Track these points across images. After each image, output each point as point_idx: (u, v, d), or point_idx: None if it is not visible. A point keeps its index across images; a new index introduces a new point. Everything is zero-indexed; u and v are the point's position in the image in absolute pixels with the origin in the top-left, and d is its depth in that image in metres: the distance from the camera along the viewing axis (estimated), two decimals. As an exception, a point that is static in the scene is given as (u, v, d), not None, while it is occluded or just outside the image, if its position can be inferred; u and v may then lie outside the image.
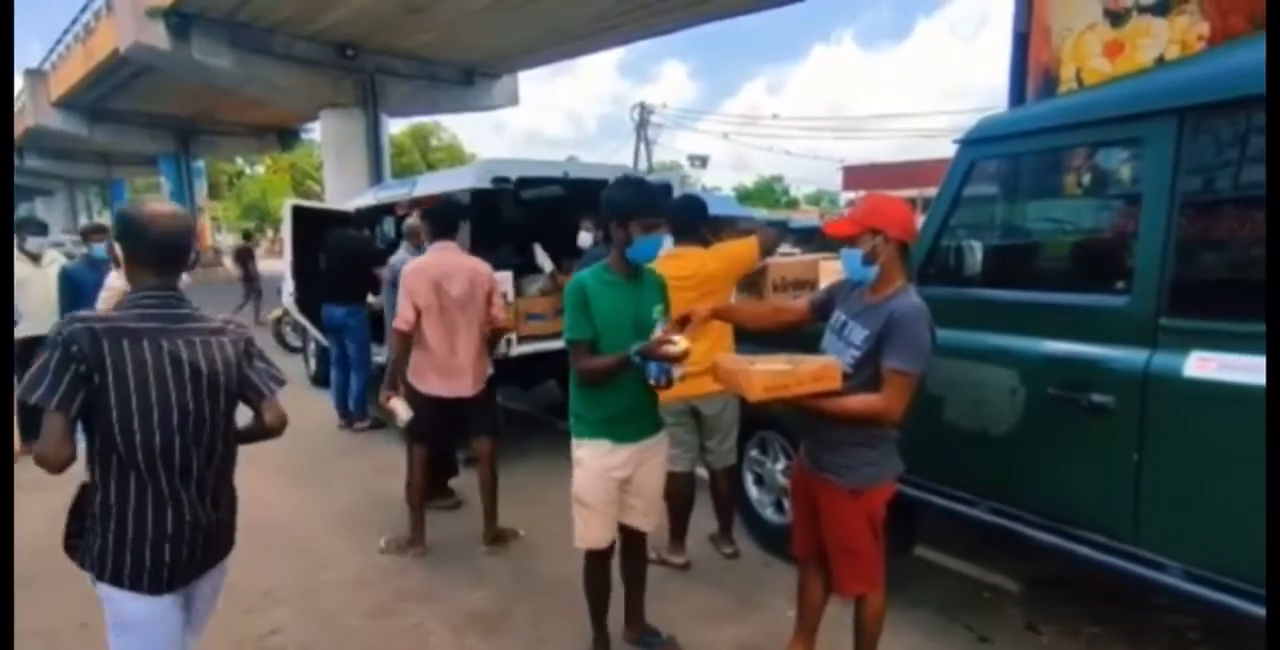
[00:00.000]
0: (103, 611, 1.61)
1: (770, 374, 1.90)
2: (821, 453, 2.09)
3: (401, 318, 3.27)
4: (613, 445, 2.28)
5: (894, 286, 2.00)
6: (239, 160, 42.09)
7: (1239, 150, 1.87)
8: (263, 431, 1.74)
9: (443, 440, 3.45)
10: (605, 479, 2.29)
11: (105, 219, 32.05)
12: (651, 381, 2.14)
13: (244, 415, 1.73)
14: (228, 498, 1.72)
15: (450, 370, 3.34)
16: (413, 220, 4.00)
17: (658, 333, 2.18)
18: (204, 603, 1.76)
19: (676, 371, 2.12)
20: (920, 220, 2.49)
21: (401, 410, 3.27)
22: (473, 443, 3.51)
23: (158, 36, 12.44)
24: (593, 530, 2.34)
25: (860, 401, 1.92)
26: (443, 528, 3.62)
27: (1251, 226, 1.89)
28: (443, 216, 3.56)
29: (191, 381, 1.56)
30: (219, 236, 37.54)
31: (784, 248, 3.62)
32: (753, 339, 2.90)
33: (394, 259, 3.92)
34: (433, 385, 3.33)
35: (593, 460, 2.29)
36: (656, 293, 2.35)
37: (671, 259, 3.07)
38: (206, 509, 1.62)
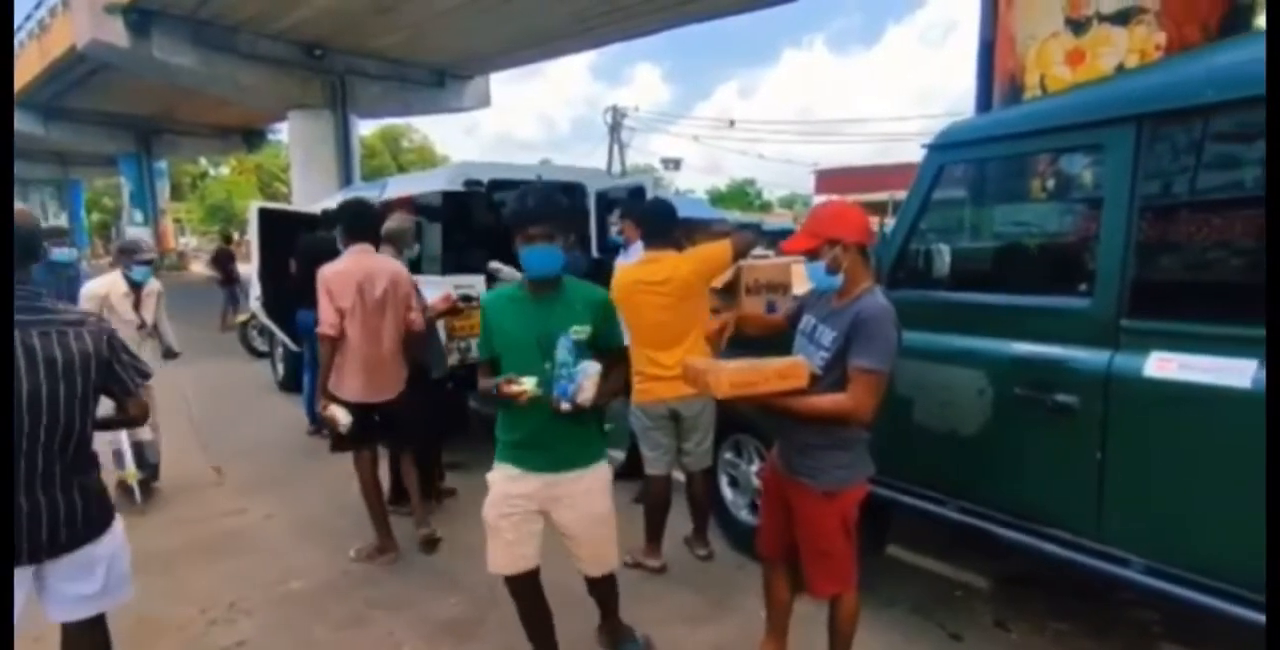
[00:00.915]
0: None
1: (737, 370, 1.91)
2: (794, 456, 2.11)
3: (327, 322, 3.19)
4: (519, 472, 2.17)
5: (860, 288, 2.03)
6: (203, 161, 41.17)
7: (1195, 156, 1.93)
8: (125, 422, 1.90)
9: (372, 445, 3.42)
10: (506, 504, 2.17)
11: (63, 221, 31.16)
12: (554, 406, 2.02)
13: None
14: (84, 484, 1.77)
15: (373, 374, 3.27)
16: (392, 223, 3.95)
17: (560, 353, 2.02)
18: (75, 583, 1.78)
19: (579, 397, 1.99)
20: (890, 223, 2.52)
21: (342, 416, 3.21)
22: (398, 445, 3.51)
23: (116, 34, 12.14)
24: (495, 555, 2.22)
25: (829, 401, 1.94)
26: (417, 535, 3.58)
27: (1208, 230, 1.95)
28: (358, 218, 3.46)
29: (46, 370, 1.64)
30: (183, 239, 36.72)
31: (758, 250, 3.64)
32: (737, 345, 2.91)
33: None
34: (354, 391, 3.24)
35: (495, 484, 2.21)
36: (580, 312, 2.11)
37: (646, 264, 3.08)
38: (56, 494, 1.69)
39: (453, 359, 4.31)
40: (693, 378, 2.06)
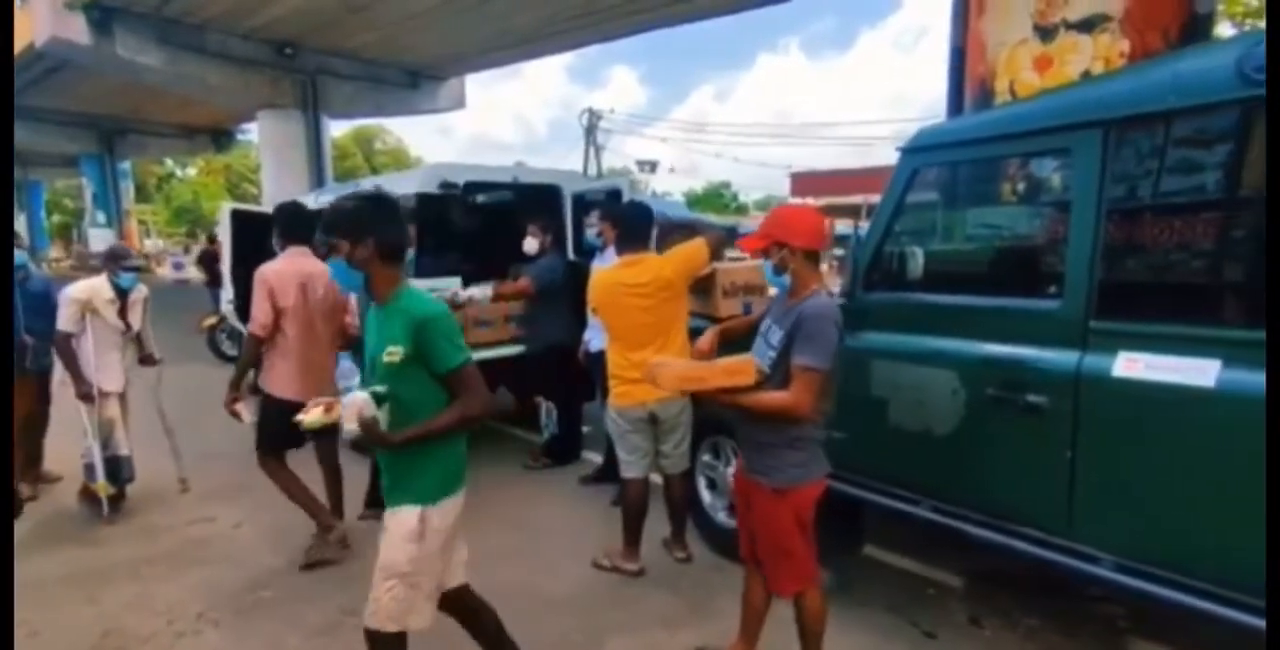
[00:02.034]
0: None
1: (686, 366, 2.05)
2: (752, 455, 2.17)
3: (259, 322, 3.18)
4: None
5: (808, 290, 2.09)
6: (169, 162, 40.33)
7: (1160, 160, 1.98)
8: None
9: (291, 446, 3.40)
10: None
11: (20, 224, 30.26)
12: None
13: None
14: None
15: (309, 374, 3.28)
16: None
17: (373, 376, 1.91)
18: None
19: (344, 429, 1.79)
20: (865, 226, 2.55)
21: (246, 414, 3.21)
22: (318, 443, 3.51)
23: (78, 31, 11.83)
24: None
25: (771, 397, 2.01)
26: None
27: (1172, 233, 2.00)
28: (294, 219, 3.45)
29: None
30: (149, 241, 35.90)
31: (734, 252, 3.67)
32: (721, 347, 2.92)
33: None
34: (295, 390, 3.21)
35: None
36: (400, 330, 1.83)
37: (627, 266, 3.08)
38: None
39: None
40: (647, 374, 2.12)
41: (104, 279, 3.83)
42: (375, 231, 1.87)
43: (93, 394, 3.76)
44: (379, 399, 1.81)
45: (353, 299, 3.67)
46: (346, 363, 3.91)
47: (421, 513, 1.87)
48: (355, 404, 1.76)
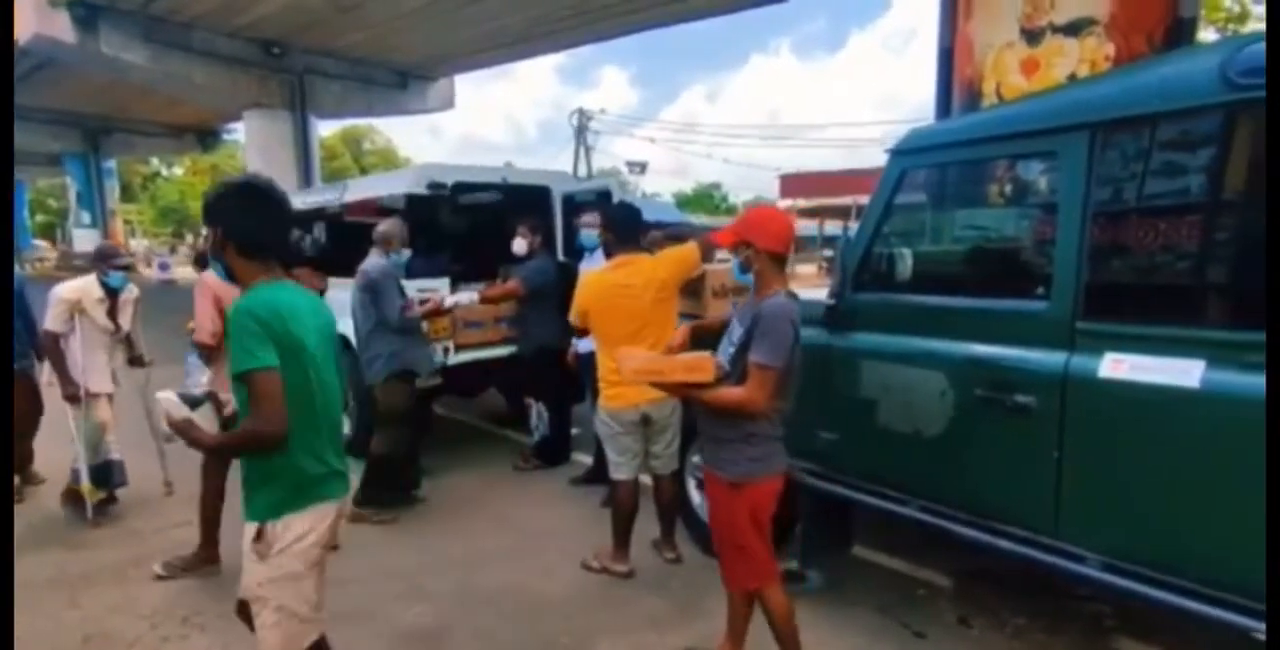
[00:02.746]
0: None
1: (646, 359, 2.13)
2: (711, 449, 2.23)
3: (208, 330, 3.17)
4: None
5: (770, 290, 2.14)
6: (154, 161, 39.97)
7: (1146, 163, 1.99)
8: None
9: None
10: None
11: (4, 222, 29.86)
12: None
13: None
14: None
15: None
16: (383, 227, 3.89)
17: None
18: None
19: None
20: (854, 228, 2.56)
21: (175, 412, 3.17)
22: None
23: (62, 28, 11.71)
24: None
25: (728, 392, 2.06)
26: (383, 542, 3.51)
27: (1158, 235, 2.02)
28: None
29: None
30: (134, 241, 35.57)
31: (723, 253, 3.67)
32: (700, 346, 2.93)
33: (365, 265, 3.79)
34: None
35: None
36: None
37: (621, 267, 3.08)
38: None
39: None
40: (616, 364, 2.20)
41: (93, 279, 3.78)
42: (224, 220, 1.76)
43: (79, 395, 3.71)
44: (192, 402, 1.79)
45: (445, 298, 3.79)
46: (193, 358, 3.73)
47: (260, 528, 1.70)
48: (164, 406, 1.74)
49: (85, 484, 3.71)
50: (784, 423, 2.17)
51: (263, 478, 1.73)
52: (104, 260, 3.80)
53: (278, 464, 1.70)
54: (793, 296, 2.15)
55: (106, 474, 3.80)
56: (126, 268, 3.88)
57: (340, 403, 1.92)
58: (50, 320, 3.65)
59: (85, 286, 3.75)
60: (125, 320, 3.92)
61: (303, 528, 1.74)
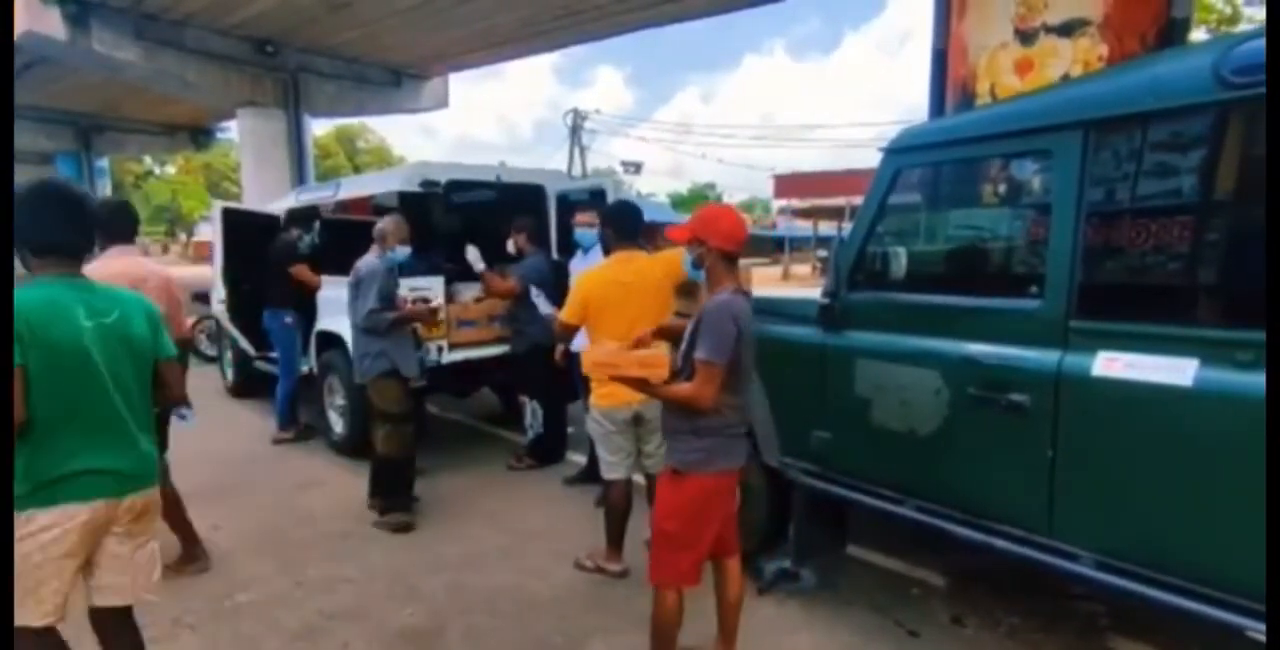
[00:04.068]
0: None
1: (604, 353, 2.20)
2: (669, 441, 2.26)
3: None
4: None
5: (720, 288, 2.17)
6: (147, 159, 39.75)
7: (1138, 162, 2.00)
8: None
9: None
10: None
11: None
12: None
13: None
14: None
15: None
16: (382, 224, 3.87)
17: None
18: None
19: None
20: (848, 227, 2.56)
21: None
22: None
23: (53, 25, 11.60)
24: None
25: (678, 388, 2.11)
26: (376, 542, 3.50)
27: (1151, 234, 2.02)
28: (119, 215, 3.12)
29: None
30: (125, 240, 35.27)
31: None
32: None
33: (361, 262, 3.77)
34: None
35: None
36: None
37: (620, 264, 3.07)
38: None
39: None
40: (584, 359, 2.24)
41: None
42: (16, 223, 1.79)
43: None
44: None
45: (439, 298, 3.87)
46: None
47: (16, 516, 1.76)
48: None
49: None
50: (740, 420, 2.20)
51: (18, 473, 1.76)
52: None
53: (20, 462, 1.74)
54: (742, 293, 2.17)
55: None
56: None
57: (129, 398, 1.89)
58: None
59: None
60: None
61: (46, 521, 1.78)
